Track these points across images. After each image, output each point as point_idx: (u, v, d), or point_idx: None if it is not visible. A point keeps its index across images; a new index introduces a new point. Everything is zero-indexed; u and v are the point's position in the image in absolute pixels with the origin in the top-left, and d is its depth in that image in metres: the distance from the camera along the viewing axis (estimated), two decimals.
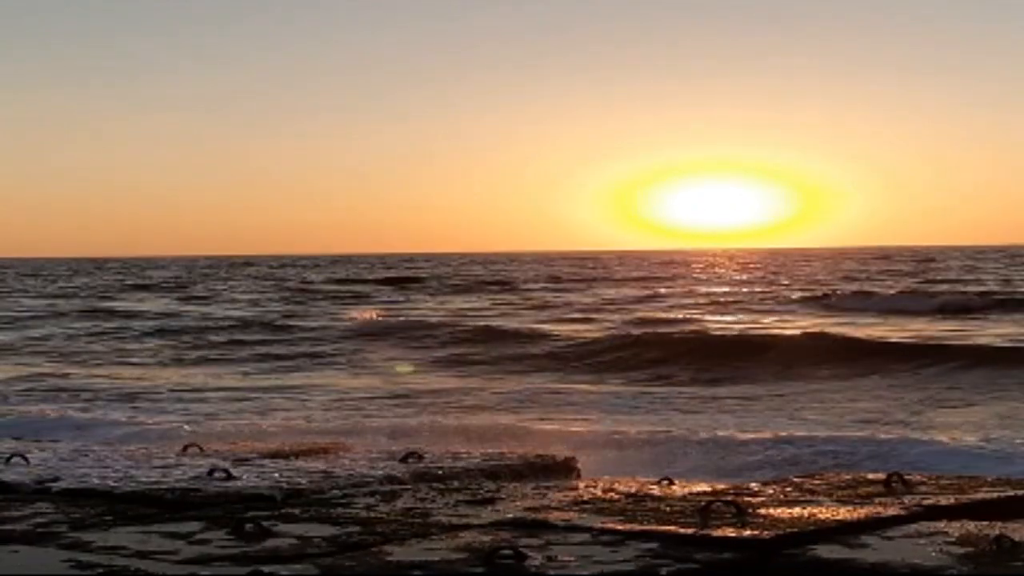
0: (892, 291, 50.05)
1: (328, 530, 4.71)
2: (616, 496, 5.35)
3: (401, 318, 38.18)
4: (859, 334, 28.99)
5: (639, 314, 39.79)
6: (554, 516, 4.85)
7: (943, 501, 5.08)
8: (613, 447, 12.92)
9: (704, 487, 5.62)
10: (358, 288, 67.92)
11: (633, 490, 5.49)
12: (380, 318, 38.29)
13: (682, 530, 4.51)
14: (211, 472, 5.92)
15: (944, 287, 53.92)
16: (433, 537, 4.55)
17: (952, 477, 5.80)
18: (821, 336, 28.11)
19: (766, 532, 4.46)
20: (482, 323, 34.72)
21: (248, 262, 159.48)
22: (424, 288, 67.08)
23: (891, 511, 4.86)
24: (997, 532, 4.35)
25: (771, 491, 5.35)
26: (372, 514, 5.03)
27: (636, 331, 30.77)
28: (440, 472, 6.09)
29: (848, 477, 5.75)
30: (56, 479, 5.92)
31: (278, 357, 27.94)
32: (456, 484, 5.78)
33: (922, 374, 22.25)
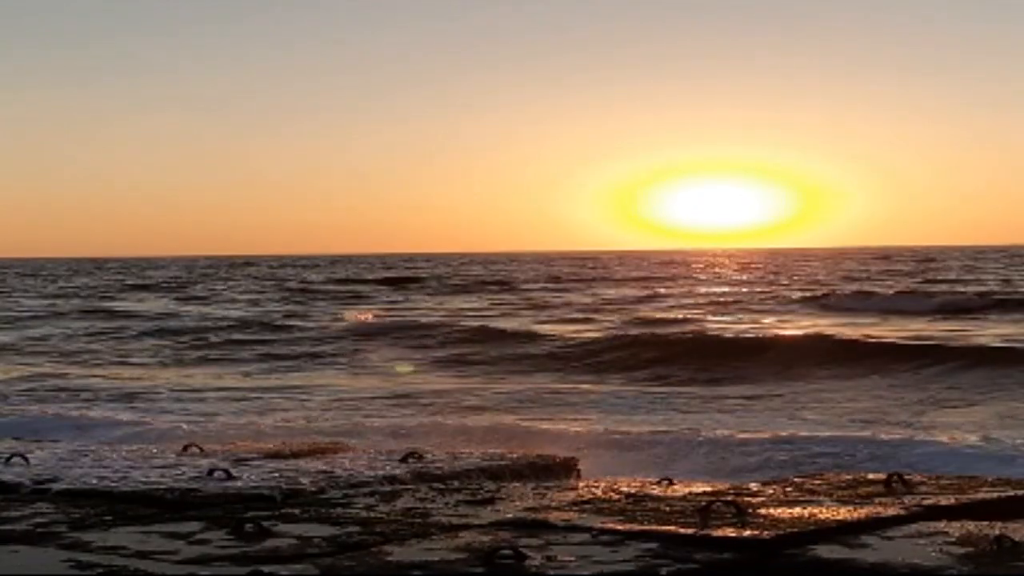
0: (892, 291, 50.01)
1: (328, 530, 4.71)
2: (616, 496, 5.35)
3: (401, 318, 38.16)
4: (859, 334, 28.96)
5: (639, 314, 39.75)
6: (554, 516, 4.85)
7: (943, 501, 5.08)
8: (613, 447, 12.90)
9: (704, 487, 5.62)
10: (358, 288, 67.86)
11: (633, 490, 5.49)
12: (379, 318, 38.29)
13: (682, 530, 4.51)
14: (211, 472, 5.92)
15: (944, 287, 53.88)
16: (433, 537, 4.55)
17: (952, 477, 5.81)
18: (821, 336, 28.12)
19: (766, 532, 4.46)
20: (482, 323, 34.71)
21: (248, 262, 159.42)
22: (424, 288, 67.03)
23: (891, 511, 4.86)
24: (997, 532, 4.35)
25: (771, 491, 5.35)
26: (372, 514, 5.03)
27: (636, 331, 30.77)
28: (440, 472, 6.09)
29: (848, 477, 5.75)
30: (56, 479, 5.92)
31: (278, 357, 27.92)
32: (456, 484, 5.78)
33: (922, 374, 22.22)
